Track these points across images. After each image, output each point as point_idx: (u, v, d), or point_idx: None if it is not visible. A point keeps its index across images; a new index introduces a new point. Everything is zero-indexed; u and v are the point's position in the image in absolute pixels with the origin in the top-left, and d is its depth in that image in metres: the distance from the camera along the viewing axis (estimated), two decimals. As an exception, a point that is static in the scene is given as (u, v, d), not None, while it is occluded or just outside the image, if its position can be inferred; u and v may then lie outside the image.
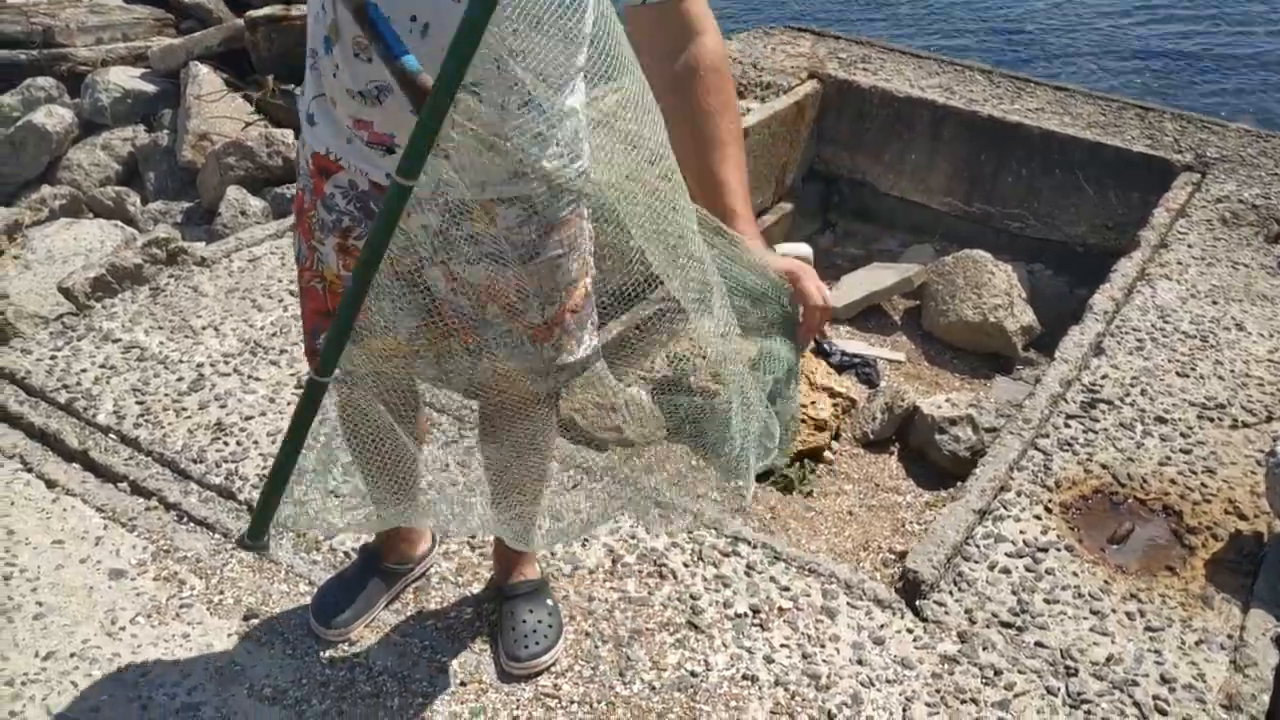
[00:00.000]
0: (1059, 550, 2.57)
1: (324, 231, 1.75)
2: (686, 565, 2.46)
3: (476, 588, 2.35)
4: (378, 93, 1.53)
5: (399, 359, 1.85)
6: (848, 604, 2.39)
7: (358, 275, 1.37)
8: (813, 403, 3.77)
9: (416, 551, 2.31)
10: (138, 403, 2.81)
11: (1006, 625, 2.36)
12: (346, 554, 2.41)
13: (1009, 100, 5.09)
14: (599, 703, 2.11)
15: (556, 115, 1.60)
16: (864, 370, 4.30)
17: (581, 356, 1.89)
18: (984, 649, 2.30)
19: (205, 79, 5.37)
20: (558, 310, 1.79)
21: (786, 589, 2.42)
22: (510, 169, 1.60)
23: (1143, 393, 3.16)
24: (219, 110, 5.24)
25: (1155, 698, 2.20)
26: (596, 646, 2.24)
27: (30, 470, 2.60)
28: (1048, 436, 2.96)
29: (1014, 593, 2.45)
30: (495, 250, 1.69)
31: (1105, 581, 2.49)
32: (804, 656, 2.25)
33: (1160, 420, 3.04)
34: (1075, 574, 2.51)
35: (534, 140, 1.59)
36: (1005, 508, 2.69)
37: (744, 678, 2.19)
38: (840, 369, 4.21)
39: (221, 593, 2.30)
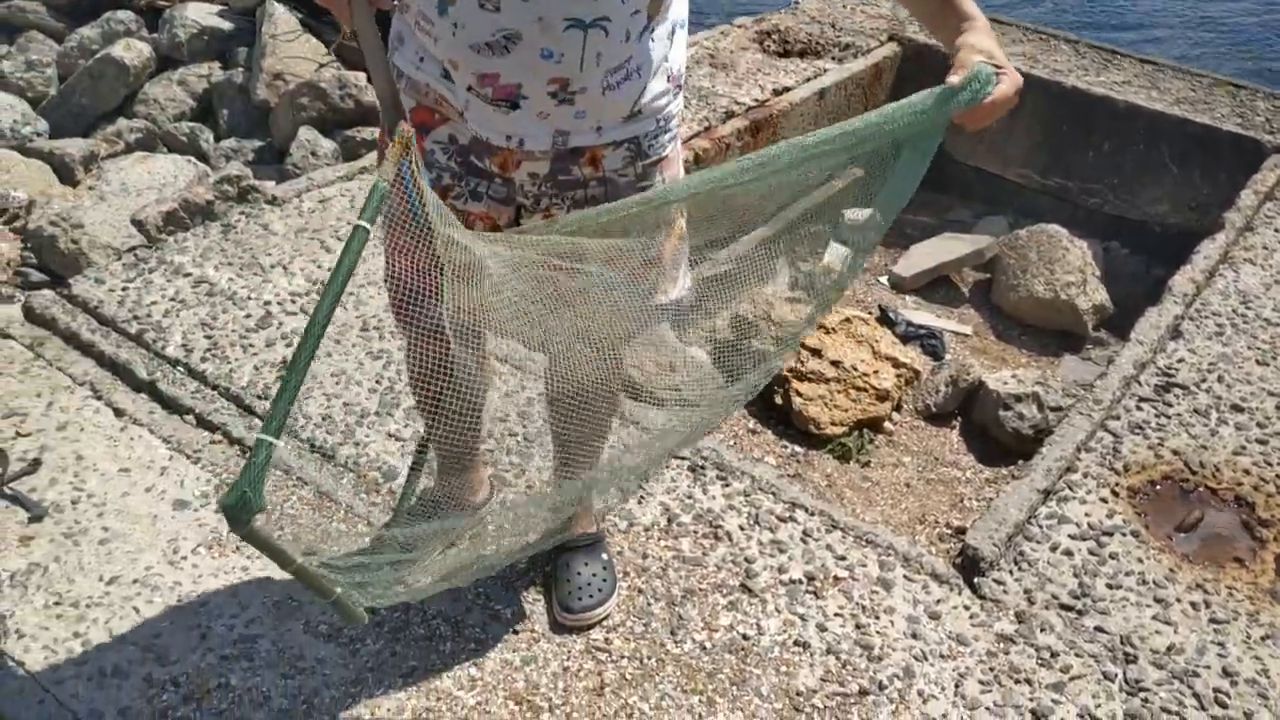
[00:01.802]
0: (1124, 535, 2.52)
1: None
2: (742, 528, 2.45)
3: (533, 535, 2.35)
4: (505, 41, 1.52)
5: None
6: (904, 577, 2.36)
7: (306, 339, 1.31)
8: (875, 372, 3.72)
9: (476, 499, 2.32)
10: (206, 337, 2.84)
11: (1066, 608, 2.32)
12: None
13: (1094, 72, 4.94)
14: (649, 659, 2.11)
15: (666, 45, 1.63)
16: (929, 342, 4.23)
17: (675, 297, 1.90)
18: (1042, 630, 2.26)
19: (281, 18, 5.39)
20: (657, 249, 1.79)
21: (843, 558, 2.39)
22: (626, 110, 1.61)
23: (1220, 379, 3.06)
24: (293, 50, 5.25)
25: (1216, 690, 2.15)
26: (649, 604, 2.24)
27: (100, 398, 2.65)
28: (1118, 419, 2.89)
29: (1075, 575, 2.40)
30: (599, 193, 1.69)
31: (1170, 570, 2.43)
32: (857, 626, 2.23)
33: (1237, 409, 2.95)
34: (1140, 560, 2.45)
35: (650, 71, 1.60)
36: (1071, 489, 2.64)
37: (795, 644, 2.18)
38: (905, 339, 4.14)
39: (281, 528, 2.33)
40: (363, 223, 1.31)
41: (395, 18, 1.73)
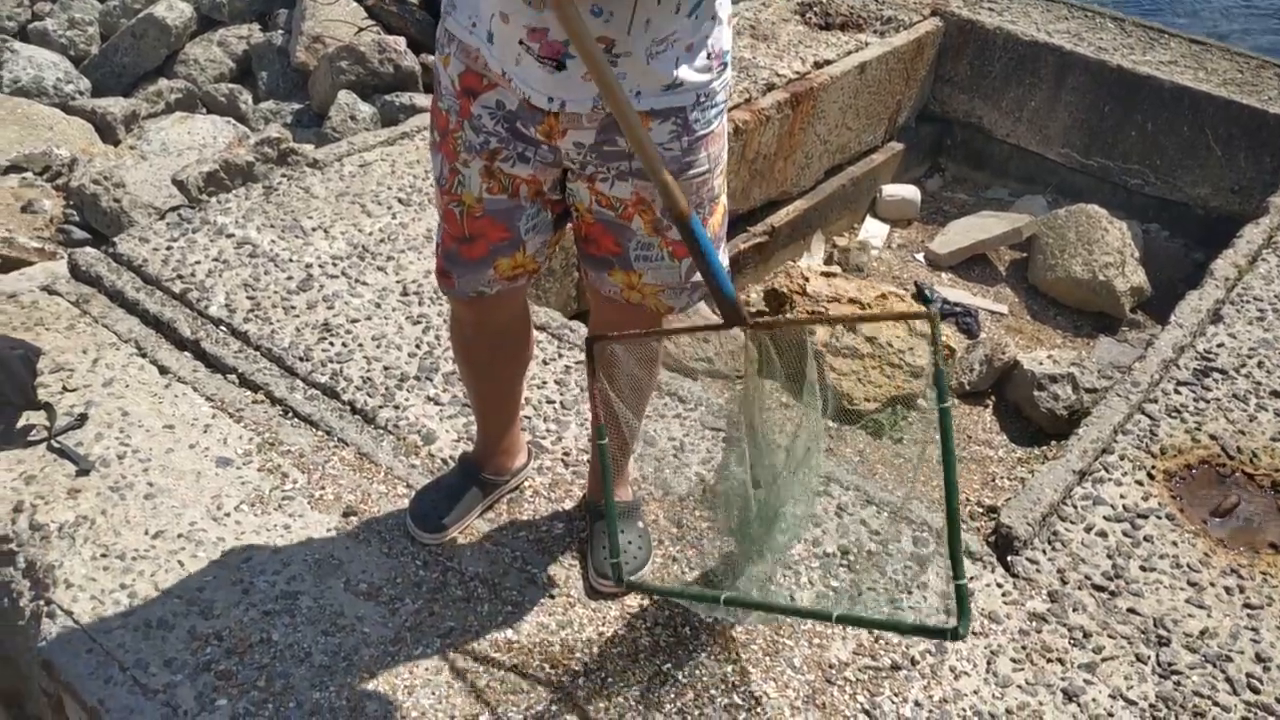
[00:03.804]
0: (1159, 518, 2.51)
1: (469, 153, 1.76)
2: (777, 501, 2.46)
3: (569, 504, 2.38)
4: None
5: (524, 275, 1.89)
6: (938, 553, 2.37)
7: None
8: (910, 349, 3.71)
9: (513, 464, 2.34)
10: (248, 298, 2.87)
11: (1099, 589, 2.32)
12: (444, 461, 2.45)
13: (1140, 51, 4.87)
14: (683, 627, 2.13)
15: (711, 23, 1.62)
16: (964, 320, 4.22)
17: None
18: (1074, 610, 2.26)
19: (322, -19, 5.39)
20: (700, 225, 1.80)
21: (876, 533, 2.40)
22: (666, 80, 1.61)
23: (1260, 365, 3.04)
24: (333, 13, 5.26)
25: (1249, 675, 2.15)
26: (684, 572, 2.26)
27: (144, 355, 2.68)
28: (1156, 401, 2.87)
29: (1109, 557, 2.40)
30: (643, 166, 1.70)
31: (1205, 554, 2.43)
32: (890, 601, 2.24)
33: (1276, 394, 2.93)
34: (1174, 543, 2.45)
35: (694, 45, 1.62)
36: (1106, 470, 2.63)
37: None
38: (940, 317, 4.13)
39: (322, 488, 2.36)
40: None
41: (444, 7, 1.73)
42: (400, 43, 5.01)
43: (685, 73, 1.63)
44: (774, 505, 1.87)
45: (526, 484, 2.41)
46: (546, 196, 1.83)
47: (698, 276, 1.87)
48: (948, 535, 1.53)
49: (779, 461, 1.86)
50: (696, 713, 1.98)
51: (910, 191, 4.97)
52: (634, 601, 2.18)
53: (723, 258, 1.91)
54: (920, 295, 4.28)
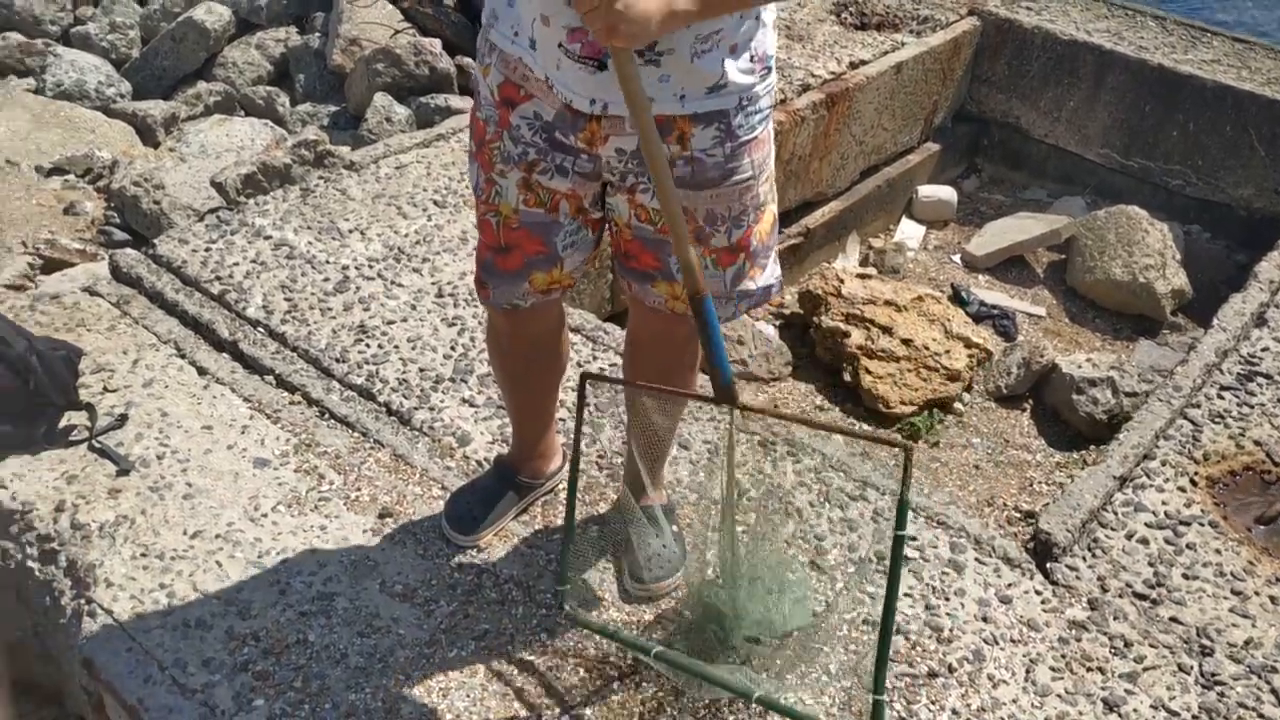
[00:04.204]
0: (1202, 525, 2.47)
1: (507, 164, 1.75)
2: (812, 505, 2.45)
3: (603, 507, 2.38)
4: None
5: (559, 289, 1.89)
6: (975, 559, 2.35)
7: None
8: (947, 351, 3.68)
9: (549, 468, 2.34)
10: (286, 299, 2.89)
11: (1141, 597, 2.29)
12: (479, 463, 2.46)
13: (1182, 50, 4.81)
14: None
15: (755, 24, 1.61)
16: (1002, 322, 4.18)
17: (763, 285, 1.89)
18: (1115, 618, 2.23)
19: (358, -16, 5.42)
20: (744, 234, 1.80)
21: (913, 538, 2.38)
22: (711, 81, 1.60)
23: (1306, 369, 2.99)
24: (370, 16, 5.28)
25: (1295, 687, 2.11)
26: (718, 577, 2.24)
27: (184, 356, 2.71)
28: (1198, 406, 2.83)
29: (1151, 564, 2.37)
30: (686, 173, 1.68)
31: (1250, 562, 2.39)
32: (927, 608, 2.22)
33: (1323, 400, 2.88)
34: (1218, 551, 2.41)
35: (738, 46, 1.61)
36: (1148, 476, 2.59)
37: (864, 622, 2.18)
38: (977, 319, 4.10)
39: (358, 489, 2.37)
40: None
41: (484, 15, 1.72)
42: (436, 45, 5.02)
43: (730, 73, 1.62)
44: (741, 603, 1.93)
45: (561, 486, 2.41)
46: (588, 214, 1.82)
47: (744, 284, 1.86)
48: (876, 652, 1.67)
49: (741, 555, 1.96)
50: (731, 718, 1.97)
51: (947, 192, 4.93)
52: (669, 606, 2.17)
53: (775, 270, 1.90)
54: (957, 297, 4.25)
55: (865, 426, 3.57)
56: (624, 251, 1.86)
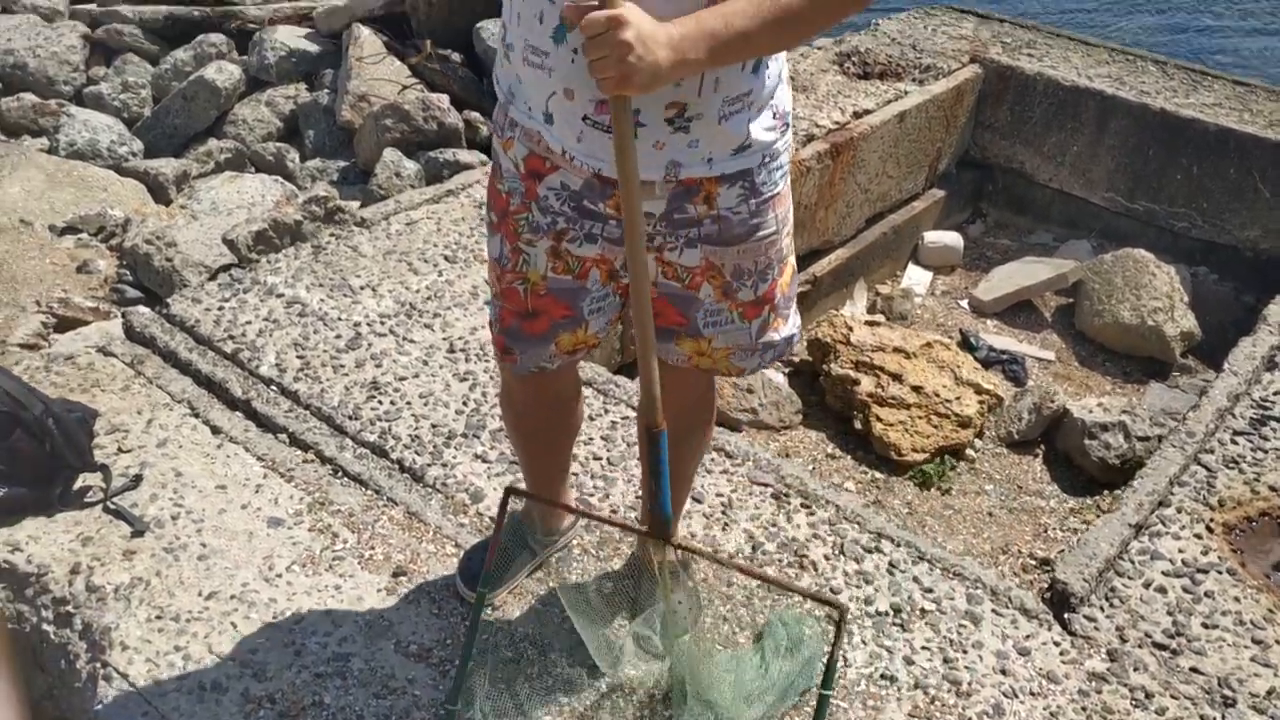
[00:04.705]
0: (1220, 573, 2.46)
1: (536, 233, 1.76)
2: (827, 558, 2.44)
3: (617, 563, 2.37)
4: None
5: (584, 349, 1.90)
6: (992, 610, 2.34)
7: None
8: (957, 398, 3.68)
9: (562, 524, 2.34)
10: (298, 357, 2.91)
11: (1160, 647, 2.27)
12: (492, 519, 2.46)
13: (1183, 94, 4.85)
14: (735, 689, 2.11)
15: (776, 80, 1.63)
16: (1011, 367, 4.18)
17: (786, 335, 1.90)
18: (1135, 669, 2.22)
19: (367, 41, 5.50)
20: (769, 287, 1.81)
21: (929, 590, 2.37)
22: (737, 142, 1.62)
23: (1318, 412, 2.98)
24: (378, 72, 5.35)
25: (1320, 737, 2.09)
26: (734, 632, 2.24)
27: (197, 416, 2.72)
28: (1212, 452, 2.82)
29: (1169, 613, 2.35)
30: (713, 231, 1.70)
31: (1269, 610, 2.37)
32: (945, 661, 2.21)
33: (1337, 443, 2.87)
34: (1237, 599, 2.40)
35: (762, 104, 1.63)
36: (1164, 524, 2.58)
37: (883, 677, 2.16)
38: (987, 364, 4.10)
39: (372, 548, 2.37)
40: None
41: (499, 70, 1.74)
42: (444, 100, 5.08)
43: (755, 133, 1.64)
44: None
45: (575, 542, 2.40)
46: (619, 279, 1.82)
47: (769, 335, 1.87)
48: None
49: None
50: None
51: (953, 238, 4.95)
52: None
53: (796, 319, 1.91)
54: (966, 343, 4.25)
55: (878, 474, 3.56)
56: None
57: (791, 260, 1.87)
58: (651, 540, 1.91)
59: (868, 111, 4.50)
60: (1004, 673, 2.19)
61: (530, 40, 1.59)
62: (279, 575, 2.29)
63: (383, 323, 3.07)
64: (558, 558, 2.36)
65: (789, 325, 1.90)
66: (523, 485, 2.37)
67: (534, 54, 1.59)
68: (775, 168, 1.71)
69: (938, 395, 3.65)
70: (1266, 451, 2.83)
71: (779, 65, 1.65)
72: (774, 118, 1.67)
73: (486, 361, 2.94)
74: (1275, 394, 3.06)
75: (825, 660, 1.74)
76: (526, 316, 1.85)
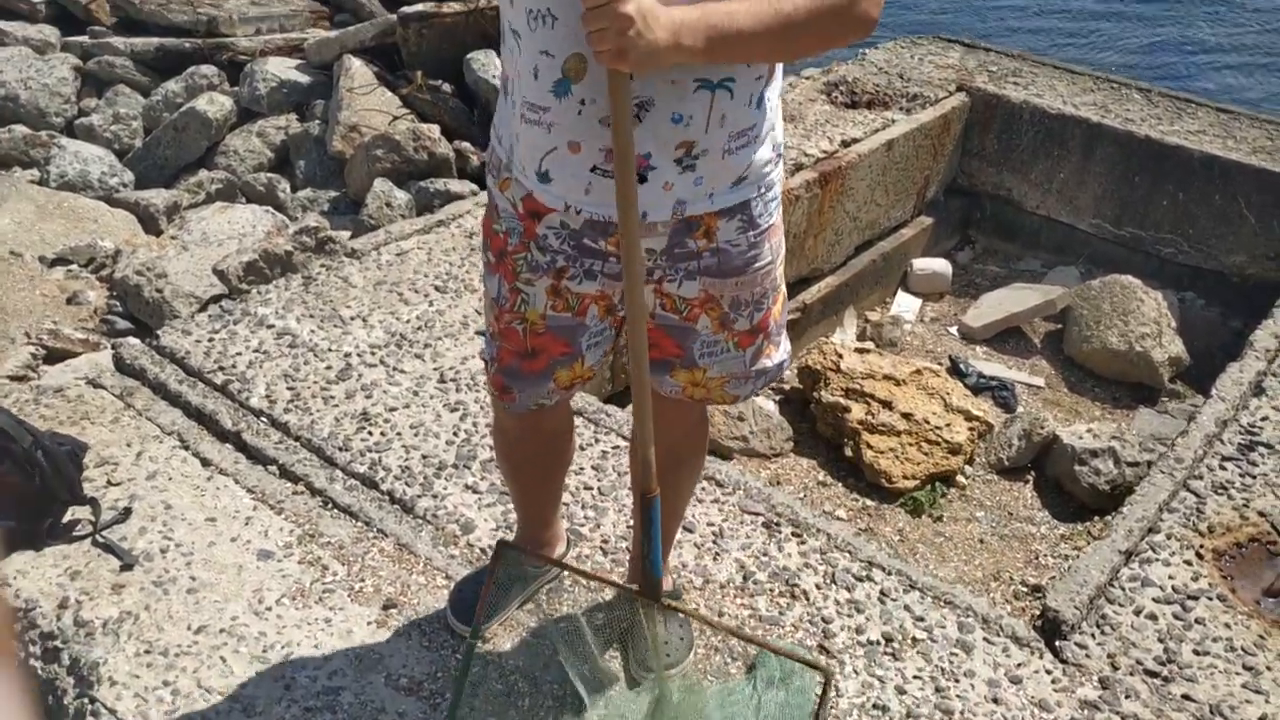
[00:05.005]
0: (1210, 599, 2.46)
1: (535, 272, 1.74)
2: (819, 587, 2.44)
3: (609, 593, 2.37)
4: (638, 110, 1.52)
5: (581, 383, 1.90)
6: (984, 639, 2.33)
7: None
8: (948, 425, 3.69)
9: (553, 555, 2.33)
10: (288, 388, 2.91)
11: (1152, 674, 2.27)
12: (483, 550, 2.45)
13: (1168, 121, 4.89)
14: None
15: (774, 112, 1.65)
16: (1001, 394, 4.19)
17: (778, 361, 1.91)
18: (1127, 697, 2.21)
19: (357, 72, 5.53)
20: (764, 316, 1.83)
21: (921, 619, 2.37)
22: (735, 175, 1.63)
23: (1306, 438, 3.00)
24: (369, 103, 5.38)
25: (1312, 764, 2.09)
26: (726, 662, 2.23)
27: (187, 448, 2.71)
28: (1201, 478, 2.83)
29: (1160, 640, 2.35)
30: (712, 264, 1.71)
31: (1260, 636, 2.38)
32: (937, 690, 2.21)
33: (1325, 468, 2.88)
34: (1227, 625, 2.40)
35: (764, 136, 1.64)
36: (1154, 550, 2.59)
37: (875, 707, 2.16)
38: (976, 391, 4.11)
39: (362, 580, 2.36)
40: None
41: (500, 118, 1.72)
42: (434, 130, 5.11)
43: (754, 166, 1.65)
44: None
45: (566, 574, 2.40)
46: (616, 313, 1.82)
47: (762, 363, 1.88)
48: None
49: None
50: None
51: (941, 265, 4.98)
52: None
53: (786, 344, 1.92)
54: (955, 369, 4.27)
55: (869, 502, 3.57)
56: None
57: (783, 288, 1.88)
58: (641, 600, 1.92)
59: (856, 140, 4.53)
60: (996, 701, 2.19)
61: (528, 97, 1.57)
62: (269, 608, 2.28)
63: (373, 353, 3.07)
64: (548, 588, 2.36)
65: (780, 351, 1.92)
66: (513, 515, 2.37)
67: (531, 110, 1.57)
68: (770, 199, 1.72)
69: (928, 422, 3.66)
70: (1255, 477, 2.85)
71: (776, 97, 1.66)
72: (771, 148, 1.68)
73: (477, 391, 2.94)
74: (1263, 420, 3.07)
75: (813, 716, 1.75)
76: (526, 356, 1.84)
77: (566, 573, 2.37)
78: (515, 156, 1.66)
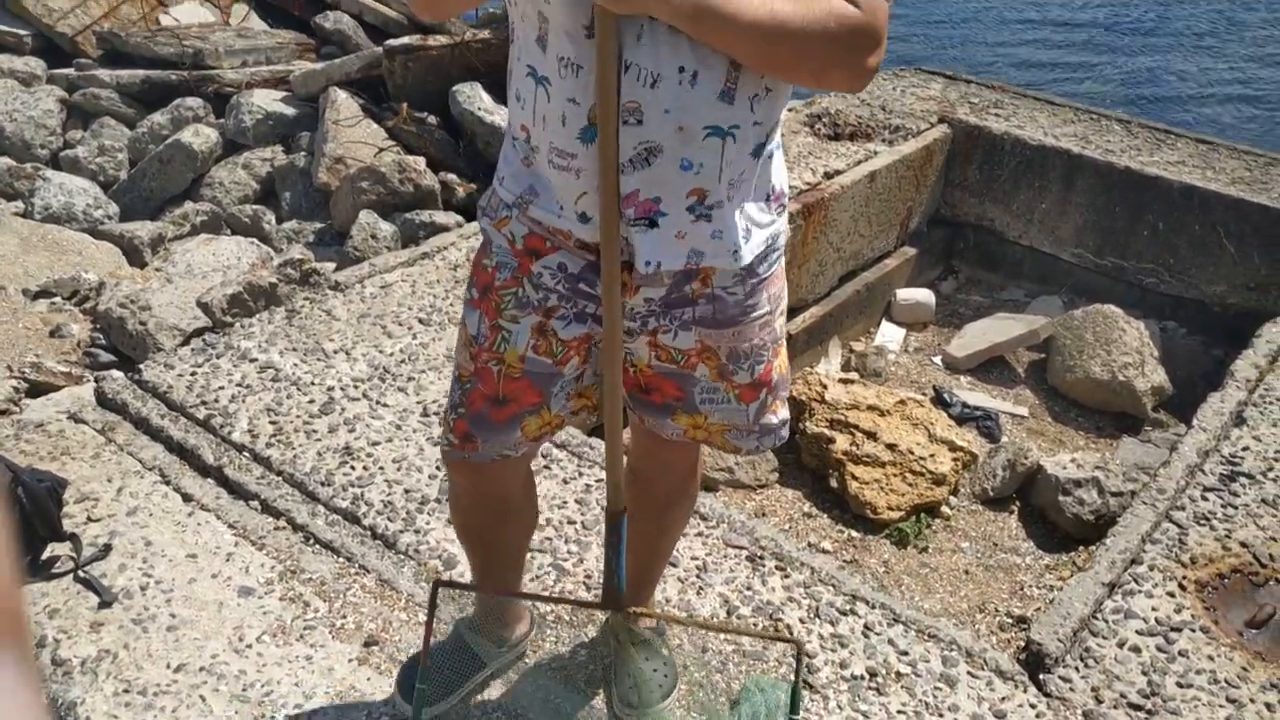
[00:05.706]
0: (1193, 631, 2.46)
1: (522, 309, 1.70)
2: (802, 621, 2.43)
3: (591, 630, 2.36)
4: (647, 155, 1.50)
5: (549, 431, 1.85)
6: (968, 673, 2.33)
7: None
8: (931, 455, 3.70)
9: (514, 633, 2.24)
10: (271, 422, 2.90)
11: (1136, 707, 2.27)
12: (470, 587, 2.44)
13: (1147, 152, 4.94)
14: (710, 757, 2.09)
15: (776, 161, 1.65)
16: (985, 424, 4.20)
17: (783, 418, 1.88)
18: (1111, 731, 2.21)
19: (343, 104, 5.55)
20: (765, 369, 1.78)
21: (905, 653, 2.37)
22: (748, 228, 1.62)
23: (1287, 468, 3.01)
24: (354, 135, 5.40)
25: (1296, 798, 2.08)
26: (711, 698, 2.22)
27: (168, 483, 2.70)
28: (1183, 509, 2.84)
29: (1144, 673, 2.35)
30: (707, 312, 1.69)
31: (1243, 668, 2.38)
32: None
33: (1306, 498, 2.90)
34: (1210, 657, 2.40)
35: (762, 185, 1.63)
36: (1136, 582, 2.59)
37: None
38: (960, 421, 4.12)
39: (344, 617, 2.35)
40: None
41: (506, 163, 1.70)
42: (420, 162, 5.13)
43: (755, 216, 1.62)
44: None
45: (548, 609, 2.39)
46: (590, 356, 1.77)
47: (767, 419, 1.84)
48: None
49: None
50: None
51: (925, 295, 5.00)
52: (660, 730, 2.14)
53: (784, 390, 1.89)
54: (940, 400, 4.28)
55: (854, 533, 3.57)
56: (641, 386, 1.80)
57: (784, 341, 1.83)
58: (603, 609, 1.92)
59: (839, 172, 4.56)
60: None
61: (556, 144, 1.55)
62: (249, 646, 2.26)
63: (356, 387, 3.07)
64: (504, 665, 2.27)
65: (785, 408, 1.88)
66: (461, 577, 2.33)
67: (560, 156, 1.55)
68: (773, 249, 1.68)
69: (912, 453, 3.67)
70: (1236, 508, 2.86)
71: (777, 140, 1.63)
72: (770, 199, 1.66)
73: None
74: (1244, 450, 3.09)
75: (790, 690, 1.74)
76: (496, 403, 1.77)
77: (541, 604, 2.36)
78: (545, 200, 1.62)
